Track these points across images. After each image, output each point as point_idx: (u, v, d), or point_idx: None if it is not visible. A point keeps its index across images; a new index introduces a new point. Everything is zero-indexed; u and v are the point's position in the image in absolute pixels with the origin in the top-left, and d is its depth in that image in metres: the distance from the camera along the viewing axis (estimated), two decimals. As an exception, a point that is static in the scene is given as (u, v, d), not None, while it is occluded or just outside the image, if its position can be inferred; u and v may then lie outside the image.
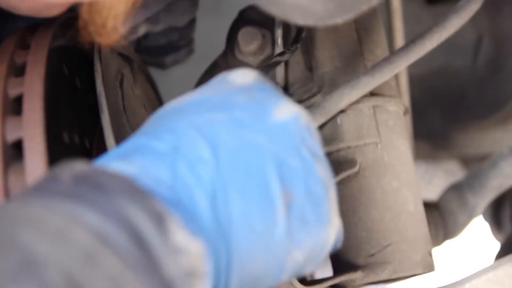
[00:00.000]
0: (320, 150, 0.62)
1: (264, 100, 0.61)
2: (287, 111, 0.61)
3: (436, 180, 1.58)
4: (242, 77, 0.64)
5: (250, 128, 0.58)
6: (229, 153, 0.56)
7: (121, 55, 0.86)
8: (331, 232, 0.61)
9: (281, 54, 0.84)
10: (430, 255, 0.87)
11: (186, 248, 0.50)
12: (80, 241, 0.45)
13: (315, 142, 0.62)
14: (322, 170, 0.61)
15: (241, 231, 0.54)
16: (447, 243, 1.15)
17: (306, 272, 0.62)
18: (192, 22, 0.98)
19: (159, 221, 0.49)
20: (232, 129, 0.57)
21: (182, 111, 0.60)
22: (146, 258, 0.47)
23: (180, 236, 0.50)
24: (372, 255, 0.83)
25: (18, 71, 0.70)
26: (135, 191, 0.50)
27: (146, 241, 0.48)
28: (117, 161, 0.55)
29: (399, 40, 1.04)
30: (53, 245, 0.45)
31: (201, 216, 0.53)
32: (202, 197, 0.53)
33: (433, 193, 1.50)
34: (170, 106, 0.63)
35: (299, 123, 0.61)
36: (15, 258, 0.43)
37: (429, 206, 1.12)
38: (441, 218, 1.12)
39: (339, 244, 0.66)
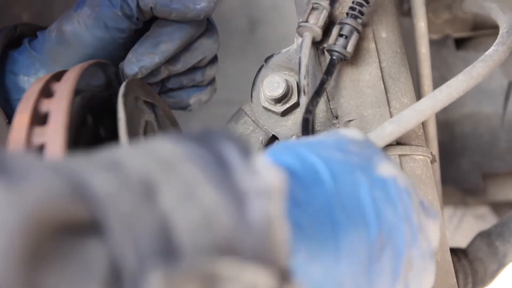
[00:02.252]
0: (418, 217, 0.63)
1: (371, 155, 0.62)
2: (389, 169, 0.61)
3: (465, 224, 1.56)
4: (352, 132, 0.65)
5: (362, 171, 0.59)
6: (343, 185, 0.58)
7: (146, 102, 0.86)
8: None
9: (308, 111, 0.83)
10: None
11: (266, 172, 0.50)
12: (163, 151, 0.48)
13: (412, 207, 0.62)
14: (423, 241, 0.62)
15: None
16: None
17: None
18: (214, 60, 0.98)
19: (246, 155, 0.50)
20: (348, 166, 0.59)
21: (301, 145, 0.61)
22: (223, 172, 0.48)
23: (263, 163, 0.50)
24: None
25: (42, 119, 0.70)
26: (237, 138, 0.52)
27: (227, 162, 0.49)
28: None
29: (428, 87, 1.03)
30: (137, 153, 0.48)
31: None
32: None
33: (462, 237, 1.48)
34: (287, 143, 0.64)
35: (397, 184, 0.61)
36: (101, 158, 0.47)
37: (457, 254, 1.10)
38: (470, 266, 1.10)
39: None
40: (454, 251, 1.12)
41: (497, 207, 1.50)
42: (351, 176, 0.58)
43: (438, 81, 0.93)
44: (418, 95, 1.02)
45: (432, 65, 1.05)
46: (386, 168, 0.61)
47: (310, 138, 0.64)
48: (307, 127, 0.80)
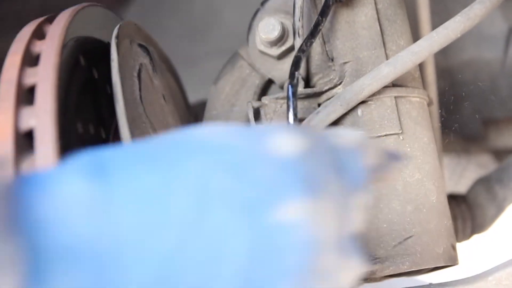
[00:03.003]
0: None
1: (282, 188, 0.50)
2: (295, 213, 0.49)
3: (468, 173, 1.56)
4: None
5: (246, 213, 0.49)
6: None
7: (140, 45, 0.85)
8: None
9: (301, 50, 0.82)
10: (454, 248, 0.86)
11: None
12: None
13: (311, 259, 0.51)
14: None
15: None
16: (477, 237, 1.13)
17: None
18: None
19: None
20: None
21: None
22: None
23: None
24: (393, 247, 0.82)
25: (34, 61, 0.70)
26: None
27: None
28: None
29: (426, 31, 1.02)
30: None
31: None
32: None
33: (464, 186, 1.48)
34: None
35: (299, 233, 0.49)
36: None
37: (457, 199, 1.11)
38: (469, 212, 1.10)
39: None
40: (454, 197, 1.12)
41: (499, 155, 1.50)
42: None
43: (437, 26, 0.93)
44: (417, 39, 1.01)
45: (432, 10, 1.05)
46: (288, 212, 0.49)
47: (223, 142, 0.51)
48: (298, 65, 0.80)
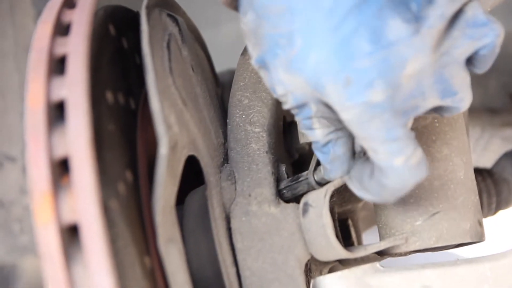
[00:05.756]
0: None
1: None
2: None
3: (492, 146, 1.55)
4: None
5: None
6: None
7: (169, 15, 0.85)
8: None
9: None
10: (480, 224, 0.85)
11: None
12: None
13: None
14: None
15: None
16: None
17: None
18: None
19: None
20: None
21: None
22: None
23: None
24: (420, 222, 0.82)
25: (64, 30, 0.70)
26: None
27: None
28: None
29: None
30: None
31: None
32: None
33: (488, 160, 1.48)
34: None
35: None
36: None
37: (482, 174, 1.10)
38: (494, 187, 1.10)
39: None
40: (479, 171, 1.11)
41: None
42: None
43: None
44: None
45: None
46: None
47: None
48: None
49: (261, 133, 0.86)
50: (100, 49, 0.72)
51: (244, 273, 0.80)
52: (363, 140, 0.69)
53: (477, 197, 0.86)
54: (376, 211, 0.87)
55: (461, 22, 0.67)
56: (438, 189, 0.82)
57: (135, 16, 0.86)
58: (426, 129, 0.83)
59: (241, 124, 0.87)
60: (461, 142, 0.85)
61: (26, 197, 1.37)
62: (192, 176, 0.81)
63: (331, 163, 0.75)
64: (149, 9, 0.77)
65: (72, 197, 0.59)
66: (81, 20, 0.69)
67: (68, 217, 0.58)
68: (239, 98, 0.88)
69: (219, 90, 1.05)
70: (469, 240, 0.83)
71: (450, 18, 0.66)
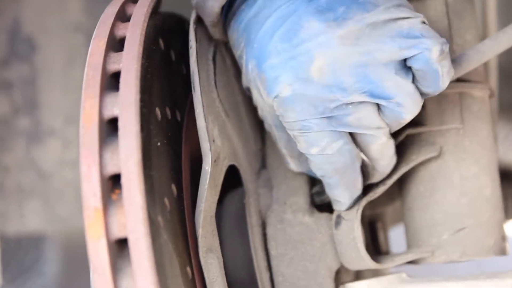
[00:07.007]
0: None
1: None
2: None
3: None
4: None
5: None
6: None
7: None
8: None
9: None
10: (504, 239, 0.89)
11: None
12: None
13: None
14: None
15: None
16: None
17: None
18: None
19: None
20: None
21: None
22: None
23: None
24: (446, 236, 0.85)
25: (117, 44, 0.72)
26: None
27: None
28: None
29: (492, 30, 1.03)
30: None
31: None
32: None
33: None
34: None
35: None
36: None
37: (508, 177, 1.12)
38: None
39: None
40: (505, 175, 1.13)
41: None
42: None
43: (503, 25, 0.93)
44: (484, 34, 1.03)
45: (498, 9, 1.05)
46: None
47: None
48: None
49: None
50: (151, 65, 0.75)
51: (277, 279, 0.84)
52: (288, 130, 0.77)
53: (502, 214, 0.89)
54: (405, 222, 0.90)
55: (392, 31, 0.73)
56: (465, 206, 0.85)
57: (182, 21, 0.88)
58: (456, 147, 0.86)
59: None
60: (490, 160, 0.88)
61: (64, 169, 1.41)
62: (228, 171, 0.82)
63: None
64: (196, 24, 0.79)
65: (122, 212, 0.62)
66: (134, 37, 0.71)
67: (117, 232, 0.62)
68: None
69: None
70: (493, 256, 0.86)
71: (378, 24, 0.72)
